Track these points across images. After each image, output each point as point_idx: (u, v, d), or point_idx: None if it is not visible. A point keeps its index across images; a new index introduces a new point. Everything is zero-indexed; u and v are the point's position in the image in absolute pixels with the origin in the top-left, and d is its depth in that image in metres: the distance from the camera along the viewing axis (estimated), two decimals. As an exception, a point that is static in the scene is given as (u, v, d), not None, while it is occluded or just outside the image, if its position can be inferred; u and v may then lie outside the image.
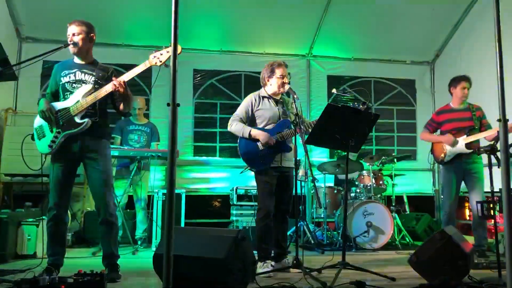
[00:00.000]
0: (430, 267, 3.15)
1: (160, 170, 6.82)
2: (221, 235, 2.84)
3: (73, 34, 3.49)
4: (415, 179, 7.39)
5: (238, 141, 3.89)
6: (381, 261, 4.55)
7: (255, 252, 3.71)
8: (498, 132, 4.18)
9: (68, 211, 5.57)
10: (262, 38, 7.10)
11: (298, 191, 5.74)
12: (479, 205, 3.47)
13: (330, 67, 7.46)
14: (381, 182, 5.87)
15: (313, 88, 7.33)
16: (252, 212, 4.92)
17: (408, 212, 6.35)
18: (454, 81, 4.90)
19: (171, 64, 2.97)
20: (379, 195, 6.00)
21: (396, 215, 5.95)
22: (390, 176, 6.16)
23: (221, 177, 6.86)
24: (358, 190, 5.89)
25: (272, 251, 3.91)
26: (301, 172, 3.56)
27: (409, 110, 7.63)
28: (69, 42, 3.48)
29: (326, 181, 6.01)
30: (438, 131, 5.02)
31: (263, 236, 3.77)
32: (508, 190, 2.75)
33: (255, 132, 3.78)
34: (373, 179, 5.74)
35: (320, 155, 7.16)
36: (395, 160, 5.98)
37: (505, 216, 2.78)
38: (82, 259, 4.45)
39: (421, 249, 3.29)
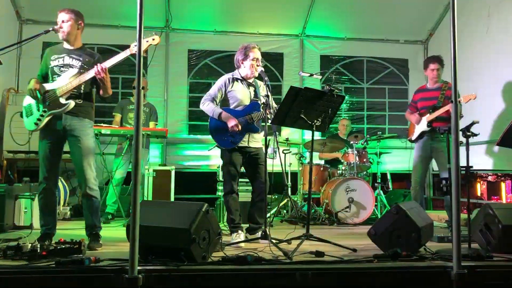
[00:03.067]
0: (386, 240, 3.37)
1: (158, 148, 7.11)
2: (186, 208, 3.09)
3: (63, 21, 3.74)
4: (405, 156, 7.52)
5: (209, 119, 4.13)
6: (356, 234, 4.78)
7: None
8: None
9: (66, 186, 5.94)
10: (256, 18, 7.26)
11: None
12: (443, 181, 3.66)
13: (323, 47, 7.60)
14: (365, 160, 6.06)
15: (306, 68, 7.47)
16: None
17: (391, 189, 6.56)
18: (425, 63, 5.13)
19: (136, 51, 3.23)
20: (364, 172, 6.20)
21: (382, 192, 6.19)
22: (376, 154, 6.35)
23: (215, 154, 7.09)
24: (343, 168, 6.10)
25: (249, 225, 4.19)
26: (270, 150, 3.77)
27: (402, 89, 7.76)
28: (58, 28, 3.72)
29: (314, 159, 6.23)
30: None
31: (228, 209, 4.08)
32: (457, 168, 2.94)
33: (224, 115, 4.01)
34: (357, 157, 5.94)
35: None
36: (380, 138, 6.17)
37: (453, 193, 2.97)
38: (77, 230, 4.75)
39: (379, 223, 3.51)
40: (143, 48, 3.52)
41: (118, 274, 2.68)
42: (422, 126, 4.91)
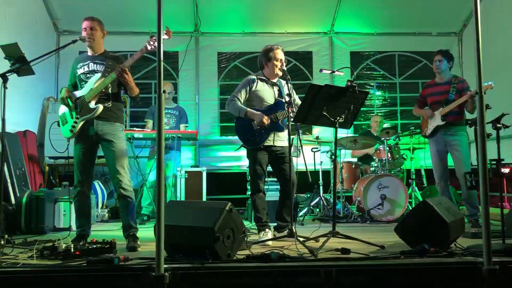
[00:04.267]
0: (414, 235, 3.31)
1: (191, 150, 7.25)
2: (211, 207, 3.16)
3: (91, 29, 3.89)
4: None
5: (234, 120, 4.19)
6: (387, 232, 4.68)
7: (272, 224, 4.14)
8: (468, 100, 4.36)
9: (104, 189, 6.16)
10: (283, 18, 7.29)
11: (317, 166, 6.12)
12: (467, 175, 3.57)
13: (353, 43, 7.55)
14: (397, 156, 5.96)
15: (336, 65, 7.41)
16: (267, 187, 5.20)
17: (426, 185, 6.42)
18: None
19: (151, 48, 3.33)
20: (398, 169, 6.10)
21: (416, 188, 6.07)
22: (410, 150, 6.24)
23: (246, 154, 7.15)
24: (375, 165, 6.02)
25: (277, 223, 4.22)
26: (293, 148, 3.79)
27: (436, 82, 7.56)
28: (84, 36, 3.88)
29: (345, 156, 6.20)
30: None
31: (255, 208, 4.11)
32: (484, 161, 2.87)
33: (250, 113, 4.05)
34: (389, 153, 5.85)
35: (343, 130, 7.29)
36: (412, 134, 6.06)
37: (481, 187, 2.90)
38: (114, 232, 4.91)
39: (406, 219, 3.46)
40: (156, 44, 3.64)
41: (145, 272, 2.77)
42: (436, 121, 4.83)
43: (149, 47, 3.66)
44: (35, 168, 6.18)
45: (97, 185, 6.05)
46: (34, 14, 6.59)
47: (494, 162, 3.45)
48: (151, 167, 5.75)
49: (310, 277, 2.90)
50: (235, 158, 7.15)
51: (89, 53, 3.96)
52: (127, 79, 3.75)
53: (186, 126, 6.26)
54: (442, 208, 3.30)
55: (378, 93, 7.70)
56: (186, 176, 5.63)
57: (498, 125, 3.48)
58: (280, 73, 4.11)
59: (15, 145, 5.67)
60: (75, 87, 3.97)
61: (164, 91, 6.17)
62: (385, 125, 7.23)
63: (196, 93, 7.30)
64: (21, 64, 3.43)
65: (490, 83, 4.35)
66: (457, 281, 2.95)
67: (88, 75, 3.87)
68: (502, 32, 6.30)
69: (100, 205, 5.95)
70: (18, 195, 5.08)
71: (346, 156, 6.71)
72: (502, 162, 3.46)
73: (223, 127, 7.34)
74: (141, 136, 5.51)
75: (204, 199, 5.73)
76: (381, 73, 7.61)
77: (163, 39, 3.62)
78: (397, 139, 6.09)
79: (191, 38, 7.25)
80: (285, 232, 4.04)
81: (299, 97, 4.34)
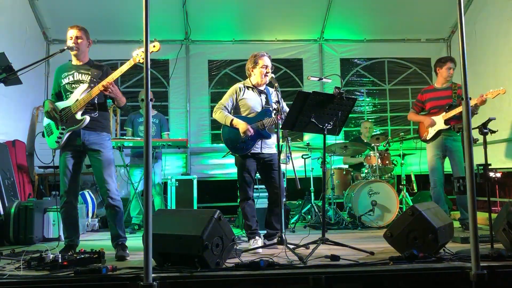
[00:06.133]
0: (402, 241, 3.32)
1: (181, 158, 7.24)
2: (200, 215, 3.15)
3: (77, 38, 3.88)
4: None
5: (221, 128, 4.19)
6: (377, 238, 4.70)
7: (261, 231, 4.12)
8: (477, 104, 4.41)
9: (95, 198, 6.12)
10: (273, 26, 7.31)
11: (308, 173, 6.12)
12: (455, 181, 3.60)
13: (343, 50, 7.58)
14: (387, 162, 5.98)
15: (326, 72, 7.45)
16: (257, 195, 5.19)
17: (416, 190, 6.44)
18: (440, 62, 5.10)
19: (139, 60, 3.32)
20: (388, 175, 6.12)
21: (407, 194, 6.09)
22: (400, 156, 6.26)
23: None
24: (366, 171, 6.04)
25: (266, 231, 4.22)
26: (282, 155, 3.79)
27: (425, 88, 7.62)
28: (71, 45, 3.86)
29: (336, 163, 6.21)
30: None
31: (244, 216, 4.11)
32: (471, 167, 2.89)
33: (235, 122, 4.07)
34: (379, 159, 5.87)
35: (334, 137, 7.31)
36: (402, 140, 6.10)
37: (468, 193, 2.91)
38: (104, 241, 4.88)
39: (395, 225, 3.46)
40: (144, 56, 3.63)
41: (133, 281, 2.76)
42: (439, 125, 4.87)
43: (137, 59, 3.64)
44: (25, 178, 6.14)
45: (88, 194, 6.00)
46: (23, 23, 6.56)
47: (482, 167, 3.48)
48: (141, 175, 5.71)
49: (300, 284, 2.89)
50: (226, 165, 7.14)
51: (74, 62, 3.95)
52: (113, 92, 3.73)
53: (168, 134, 6.22)
54: (431, 214, 3.32)
55: (368, 99, 7.74)
56: (177, 184, 5.60)
57: (485, 130, 3.51)
58: (267, 80, 4.12)
59: (4, 154, 5.63)
60: (59, 96, 3.95)
61: (151, 99, 6.19)
62: (375, 131, 7.26)
63: (187, 101, 7.30)
64: (8, 74, 3.41)
65: (502, 88, 4.44)
66: (446, 286, 2.96)
67: (73, 85, 3.84)
68: (490, 37, 6.36)
69: (90, 215, 5.90)
70: (6, 205, 5.04)
71: (337, 162, 6.74)
72: (490, 167, 3.48)
73: (214, 135, 7.33)
74: (131, 144, 5.47)
75: (195, 207, 5.71)
76: (371, 79, 7.66)
77: (151, 52, 3.64)
78: (387, 145, 6.12)
79: (181, 46, 7.26)
80: (275, 240, 4.03)
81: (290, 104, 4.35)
